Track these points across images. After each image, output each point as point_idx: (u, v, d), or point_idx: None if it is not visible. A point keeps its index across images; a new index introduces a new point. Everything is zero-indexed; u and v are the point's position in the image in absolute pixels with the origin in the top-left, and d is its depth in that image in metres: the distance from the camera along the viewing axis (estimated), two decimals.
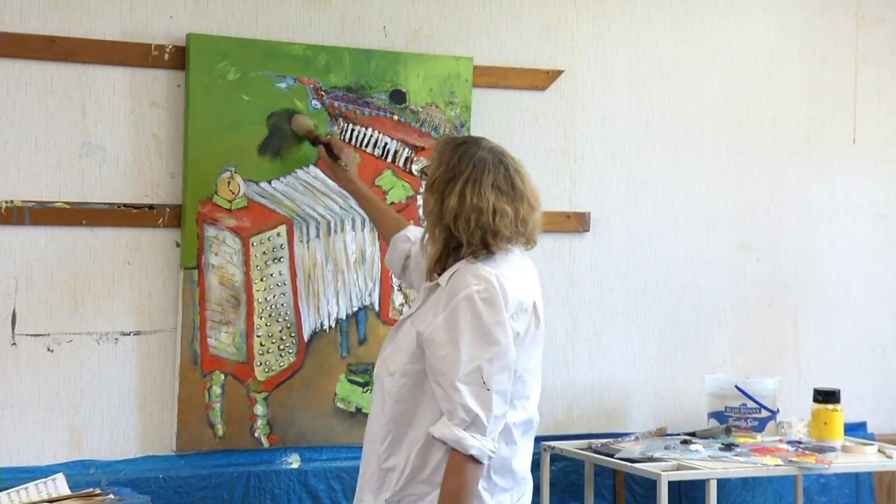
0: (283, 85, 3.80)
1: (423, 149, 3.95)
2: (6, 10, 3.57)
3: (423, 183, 3.30)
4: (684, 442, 4.12)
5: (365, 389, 3.88)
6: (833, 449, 4.10)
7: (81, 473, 3.61)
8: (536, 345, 3.04)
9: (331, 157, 3.72)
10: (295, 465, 3.86)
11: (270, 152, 3.79)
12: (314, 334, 3.86)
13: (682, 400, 4.46)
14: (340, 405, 3.89)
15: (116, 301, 3.70)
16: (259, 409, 3.80)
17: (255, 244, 3.78)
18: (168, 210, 3.72)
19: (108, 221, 3.68)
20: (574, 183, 4.30)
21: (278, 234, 3.82)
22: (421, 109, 3.98)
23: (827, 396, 4.18)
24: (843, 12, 4.70)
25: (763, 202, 4.58)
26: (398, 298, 3.95)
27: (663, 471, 3.78)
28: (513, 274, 2.97)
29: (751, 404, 4.28)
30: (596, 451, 4.08)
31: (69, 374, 3.65)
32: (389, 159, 3.95)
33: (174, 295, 3.73)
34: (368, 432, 3.11)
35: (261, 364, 3.79)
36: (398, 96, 3.96)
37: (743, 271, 4.56)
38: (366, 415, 3.60)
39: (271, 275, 3.81)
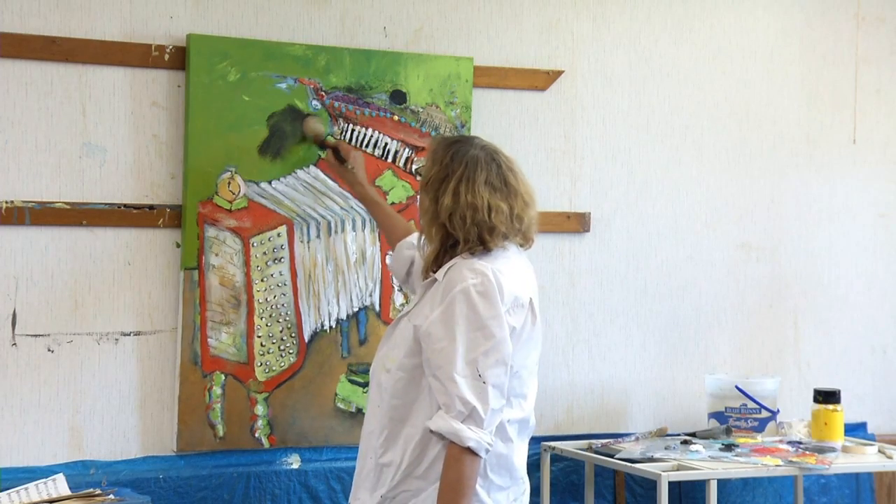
0: (284, 85, 3.80)
1: (423, 149, 3.95)
2: (6, 11, 3.57)
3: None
4: (684, 442, 4.12)
5: (365, 390, 3.87)
6: (833, 449, 4.10)
7: (81, 474, 3.60)
8: (533, 343, 3.05)
9: (338, 160, 3.72)
10: (295, 466, 3.86)
11: (271, 153, 3.79)
12: (315, 335, 3.86)
13: (683, 400, 4.46)
14: (341, 405, 3.89)
15: (117, 301, 3.70)
16: (259, 409, 3.80)
17: (255, 244, 3.78)
18: (168, 210, 3.72)
19: (109, 222, 3.68)
20: (574, 183, 4.30)
21: (279, 235, 3.82)
22: (421, 110, 3.98)
23: (827, 397, 4.18)
24: (843, 12, 4.70)
25: (763, 202, 4.58)
26: (399, 299, 3.95)
27: (663, 471, 3.78)
28: (509, 270, 2.98)
29: (751, 405, 4.29)
30: (596, 452, 4.08)
31: (69, 374, 3.65)
32: (390, 159, 3.95)
33: (174, 295, 3.73)
34: (365, 430, 3.12)
35: (261, 364, 3.79)
36: (398, 97, 3.96)
37: (743, 272, 4.56)
38: None
39: (272, 275, 3.81)
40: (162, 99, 3.73)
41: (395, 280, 3.88)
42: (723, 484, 4.34)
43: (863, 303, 4.75)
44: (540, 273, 4.21)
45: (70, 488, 3.40)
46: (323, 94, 3.85)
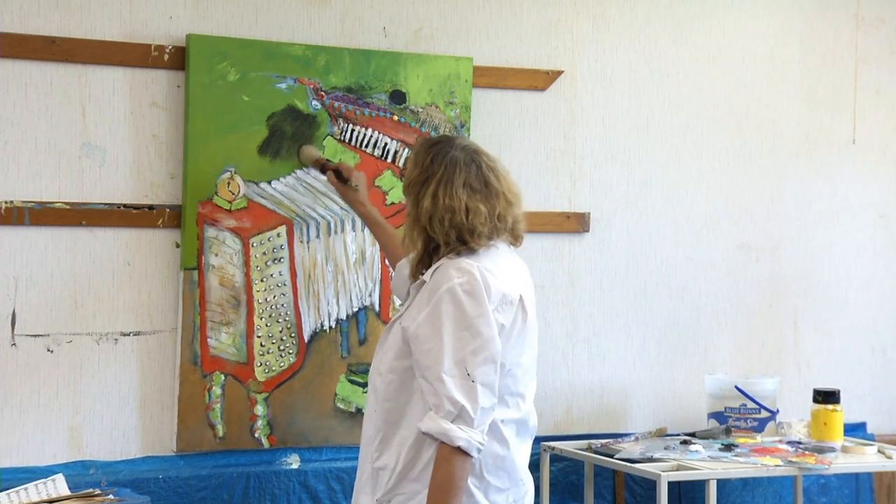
0: (284, 85, 3.80)
1: None
2: (6, 11, 3.57)
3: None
4: (684, 442, 4.12)
5: (365, 390, 3.87)
6: (833, 449, 4.10)
7: (81, 474, 3.60)
8: (526, 340, 3.02)
9: (340, 180, 3.72)
10: (295, 466, 3.86)
11: (270, 153, 3.79)
12: (314, 335, 3.86)
13: (682, 400, 4.46)
14: (341, 405, 3.89)
15: (116, 301, 3.70)
16: (259, 409, 3.80)
17: (255, 245, 3.79)
18: (168, 211, 3.72)
19: (108, 222, 3.68)
20: (574, 183, 4.30)
21: (278, 235, 3.82)
22: (421, 110, 3.99)
23: (827, 397, 4.18)
24: (843, 13, 4.70)
25: (763, 203, 4.58)
26: (398, 299, 3.95)
27: (663, 471, 3.78)
28: (496, 267, 2.97)
29: (751, 405, 4.29)
30: (596, 452, 4.08)
31: (69, 374, 3.65)
32: (389, 160, 3.95)
33: (174, 295, 3.73)
34: (363, 435, 3.11)
35: (261, 364, 3.79)
36: (398, 97, 3.96)
37: (743, 272, 4.56)
38: None
39: (271, 275, 3.81)
40: (161, 99, 3.73)
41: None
42: (722, 484, 4.34)
43: (863, 303, 4.75)
44: (540, 273, 4.22)
45: (70, 488, 3.40)
46: (323, 94, 3.85)
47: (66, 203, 3.64)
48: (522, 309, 3.00)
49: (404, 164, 3.94)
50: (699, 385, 4.44)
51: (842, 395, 4.21)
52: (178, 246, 3.73)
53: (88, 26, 3.66)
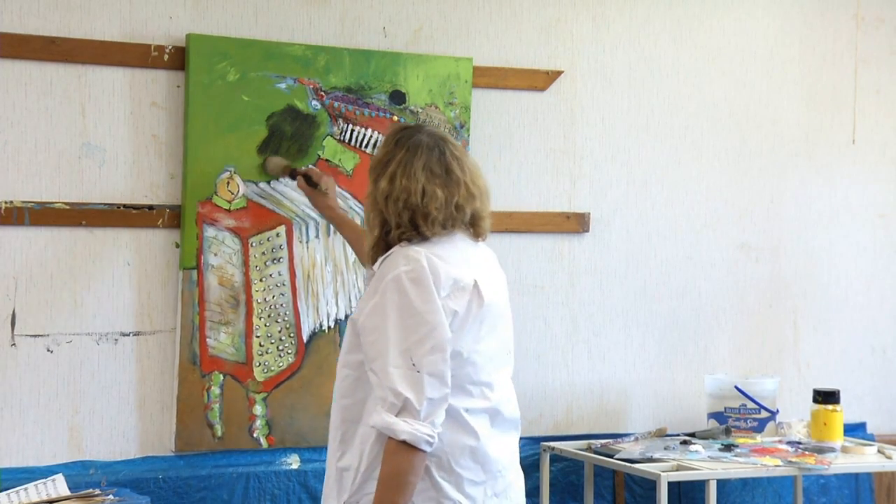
0: (283, 85, 3.80)
1: None
2: (6, 11, 3.57)
3: None
4: (684, 442, 4.12)
5: None
6: (833, 449, 4.10)
7: (81, 474, 3.61)
8: (485, 326, 2.90)
9: (310, 185, 3.70)
10: (294, 466, 3.86)
11: (270, 153, 3.79)
12: (313, 335, 3.86)
13: (682, 400, 4.46)
14: None
15: (116, 301, 3.70)
16: (258, 409, 3.80)
17: (254, 244, 3.79)
18: (168, 211, 3.73)
19: (108, 222, 3.68)
20: (574, 183, 4.30)
21: (277, 235, 3.82)
22: (421, 110, 3.99)
23: (827, 397, 4.18)
24: (843, 13, 4.70)
25: (763, 203, 4.58)
26: None
27: (663, 471, 3.78)
28: (448, 254, 2.86)
29: (750, 405, 4.28)
30: (596, 452, 4.08)
31: (69, 374, 3.65)
32: None
33: (173, 295, 3.73)
34: (329, 435, 3.00)
35: (260, 364, 3.79)
36: (398, 97, 3.96)
37: (743, 272, 4.56)
38: None
39: (270, 275, 3.81)
40: (161, 99, 3.73)
41: None
42: (722, 484, 4.34)
43: (862, 303, 4.74)
44: (540, 273, 4.23)
45: (69, 488, 3.41)
46: (322, 94, 3.85)
47: (65, 203, 3.64)
48: (478, 294, 2.88)
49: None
50: (699, 385, 4.44)
51: (842, 395, 4.21)
52: (177, 246, 3.73)
53: (88, 26, 3.66)
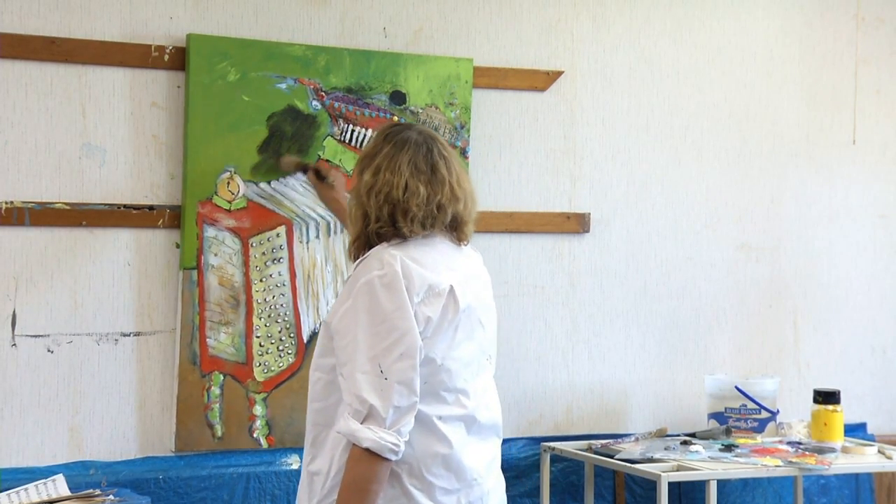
0: (284, 85, 3.81)
1: None
2: (6, 11, 3.58)
3: None
4: (684, 443, 4.12)
5: None
6: (833, 450, 4.10)
7: (81, 474, 3.61)
8: (461, 332, 2.83)
9: (319, 179, 3.75)
10: (295, 466, 3.86)
11: (270, 153, 3.79)
12: (313, 335, 3.86)
13: (682, 401, 4.46)
14: None
15: (116, 302, 3.70)
16: (258, 409, 3.80)
17: (254, 245, 3.79)
18: (168, 211, 3.73)
19: (108, 222, 3.68)
20: (574, 184, 4.30)
21: (278, 235, 3.82)
22: (421, 110, 3.99)
23: (827, 397, 4.18)
24: (843, 13, 4.70)
25: (763, 203, 4.58)
26: None
27: (663, 472, 3.78)
28: (425, 257, 2.81)
29: (751, 405, 4.28)
30: (596, 452, 4.08)
31: (69, 374, 3.65)
32: None
33: (174, 295, 3.73)
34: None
35: (260, 365, 3.79)
36: (398, 97, 3.96)
37: (743, 272, 4.56)
38: None
39: (271, 275, 3.81)
40: (161, 99, 3.73)
41: None
42: (722, 484, 4.34)
43: (863, 303, 4.75)
44: (540, 273, 4.23)
45: (70, 489, 3.41)
46: (323, 94, 3.85)
47: (66, 203, 3.64)
48: (454, 300, 2.81)
49: None
50: (699, 385, 4.44)
51: (842, 395, 4.22)
52: (177, 246, 3.73)
53: (88, 27, 3.66)
